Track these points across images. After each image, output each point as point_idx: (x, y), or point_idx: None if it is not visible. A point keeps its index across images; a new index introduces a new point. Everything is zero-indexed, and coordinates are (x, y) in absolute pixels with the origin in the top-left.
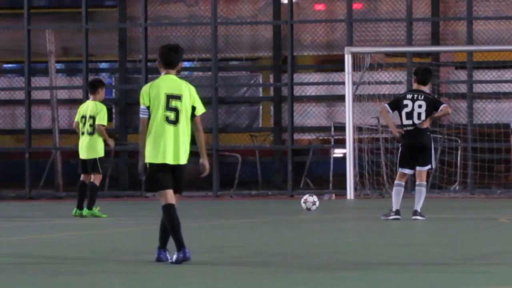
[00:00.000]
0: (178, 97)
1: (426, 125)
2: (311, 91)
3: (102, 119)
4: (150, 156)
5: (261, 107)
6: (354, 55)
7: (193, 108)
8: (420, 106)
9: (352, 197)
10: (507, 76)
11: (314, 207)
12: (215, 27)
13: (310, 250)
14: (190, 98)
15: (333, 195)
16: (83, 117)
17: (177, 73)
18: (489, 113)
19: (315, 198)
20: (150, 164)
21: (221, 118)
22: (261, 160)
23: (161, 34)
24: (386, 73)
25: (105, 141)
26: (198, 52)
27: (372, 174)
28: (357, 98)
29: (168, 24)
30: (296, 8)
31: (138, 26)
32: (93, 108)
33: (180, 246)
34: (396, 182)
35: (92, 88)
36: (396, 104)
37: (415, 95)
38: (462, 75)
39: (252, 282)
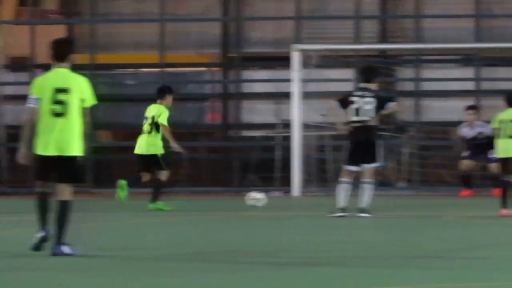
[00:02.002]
0: (65, 90)
1: (374, 122)
2: (258, 88)
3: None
4: (35, 147)
5: (208, 104)
6: (302, 53)
7: (83, 101)
8: (368, 103)
9: (299, 194)
10: (454, 74)
11: (260, 204)
12: (162, 24)
13: (256, 247)
14: (79, 91)
15: (280, 192)
16: (146, 118)
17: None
18: (436, 111)
19: (261, 195)
20: (35, 155)
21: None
22: (208, 157)
23: (109, 31)
24: (333, 71)
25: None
26: (145, 49)
27: (319, 171)
28: (305, 96)
29: (116, 21)
30: (244, 5)
31: (86, 23)
32: (155, 110)
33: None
34: (342, 179)
35: (160, 93)
36: (344, 101)
37: (363, 93)
38: (410, 73)
39: (198, 279)
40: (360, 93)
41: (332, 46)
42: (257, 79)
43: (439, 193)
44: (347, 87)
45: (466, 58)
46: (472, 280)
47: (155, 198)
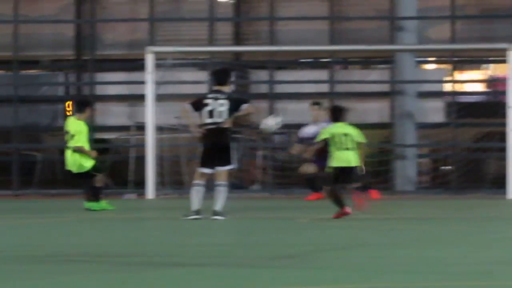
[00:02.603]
0: None
1: (227, 125)
2: (112, 90)
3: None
4: None
5: (61, 106)
6: (156, 55)
7: None
8: (221, 106)
9: (153, 196)
10: (308, 76)
11: (275, 126)
12: (16, 25)
13: (110, 250)
14: None
15: (134, 194)
16: (67, 132)
17: None
18: (290, 113)
19: (273, 118)
20: None
21: (21, 117)
22: (60, 158)
23: None
24: (188, 73)
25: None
26: None
27: (173, 173)
28: (159, 98)
29: None
30: (98, 7)
31: None
32: (76, 128)
33: None
34: (195, 181)
35: (80, 106)
36: (198, 103)
37: (217, 95)
38: (264, 75)
39: (52, 282)
40: (213, 95)
41: (186, 48)
42: (111, 81)
43: (293, 195)
44: (202, 89)
45: (320, 61)
46: (327, 281)
47: (94, 199)
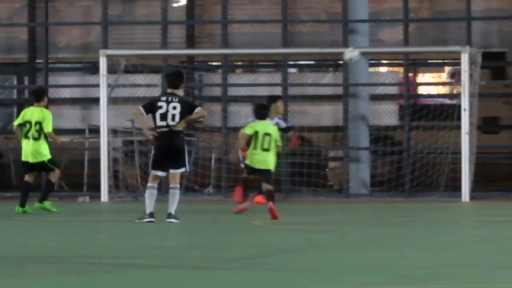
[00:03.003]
0: None
1: (180, 127)
2: (66, 93)
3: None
4: None
5: (15, 109)
6: (109, 58)
7: None
8: (174, 108)
9: (107, 199)
10: (261, 79)
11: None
12: None
13: (67, 253)
14: None
15: (87, 197)
16: (28, 122)
17: None
18: (244, 116)
19: (352, 50)
20: None
21: None
22: (17, 161)
23: None
24: (141, 76)
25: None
26: None
27: (127, 176)
28: (112, 101)
29: None
30: (52, 10)
31: None
32: (40, 114)
33: None
34: (149, 184)
35: (37, 96)
36: (151, 106)
37: (169, 98)
38: (217, 78)
39: (7, 284)
40: (166, 98)
41: (139, 51)
42: (64, 85)
43: (247, 198)
44: (155, 92)
45: (274, 64)
46: (282, 283)
47: (43, 197)
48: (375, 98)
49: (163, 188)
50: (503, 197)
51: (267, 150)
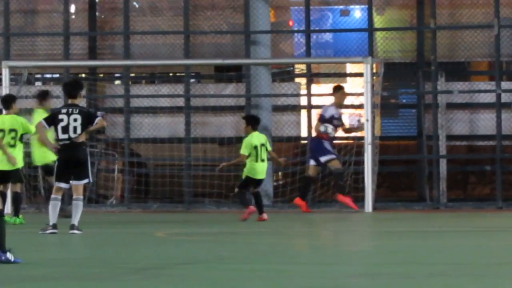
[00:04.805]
0: None
1: (82, 139)
2: None
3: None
4: None
5: None
6: (11, 69)
7: None
8: (75, 120)
9: (9, 211)
10: (164, 90)
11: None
12: None
13: None
14: None
15: None
16: (1, 130)
17: None
18: (146, 127)
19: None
20: None
21: None
22: None
23: None
24: (44, 87)
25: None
26: None
27: (30, 188)
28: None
29: None
30: None
31: None
32: (12, 121)
33: None
34: (52, 196)
35: (6, 103)
36: (52, 119)
37: (70, 109)
38: (119, 89)
39: None
40: (67, 110)
41: (41, 63)
42: None
43: (150, 210)
44: (58, 103)
45: (176, 75)
46: None
47: (18, 211)
48: (277, 109)
49: (66, 200)
50: (405, 207)
51: (263, 160)
